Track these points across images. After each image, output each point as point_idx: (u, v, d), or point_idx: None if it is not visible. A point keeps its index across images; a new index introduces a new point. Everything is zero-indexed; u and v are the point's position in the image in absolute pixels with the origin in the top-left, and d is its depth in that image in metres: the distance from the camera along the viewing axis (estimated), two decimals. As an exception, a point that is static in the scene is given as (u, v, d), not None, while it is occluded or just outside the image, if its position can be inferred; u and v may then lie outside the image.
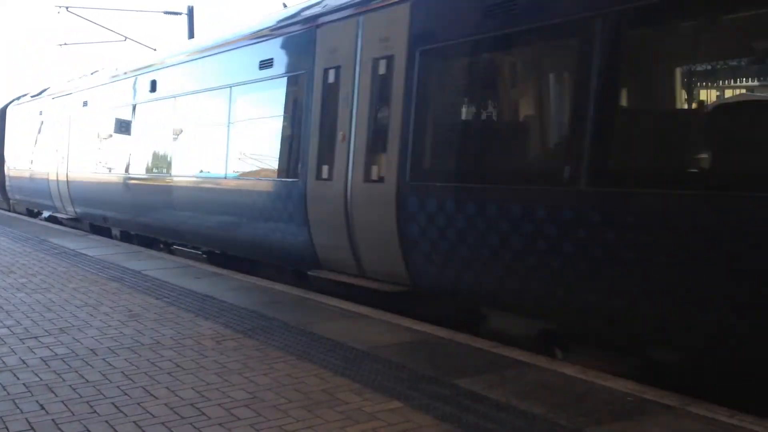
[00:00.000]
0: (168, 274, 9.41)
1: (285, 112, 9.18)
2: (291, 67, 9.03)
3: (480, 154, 6.53)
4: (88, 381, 5.09)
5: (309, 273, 8.57)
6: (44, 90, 20.02)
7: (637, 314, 5.11)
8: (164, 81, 12.40)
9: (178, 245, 12.07)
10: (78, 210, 16.23)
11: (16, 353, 5.84)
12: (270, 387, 4.88)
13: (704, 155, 4.95)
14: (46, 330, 6.60)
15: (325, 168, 8.14)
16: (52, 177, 17.19)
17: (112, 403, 4.62)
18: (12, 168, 20.34)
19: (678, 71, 5.17)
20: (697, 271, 4.71)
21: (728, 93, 4.95)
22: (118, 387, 4.94)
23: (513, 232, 5.89)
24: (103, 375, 5.22)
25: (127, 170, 13.43)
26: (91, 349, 5.91)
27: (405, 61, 7.14)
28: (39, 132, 18.79)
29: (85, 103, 15.92)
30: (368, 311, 7.18)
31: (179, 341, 6.12)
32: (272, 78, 9.26)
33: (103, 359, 5.62)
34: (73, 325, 6.76)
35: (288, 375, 5.13)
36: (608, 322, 5.37)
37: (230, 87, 10.23)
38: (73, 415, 4.44)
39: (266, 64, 9.41)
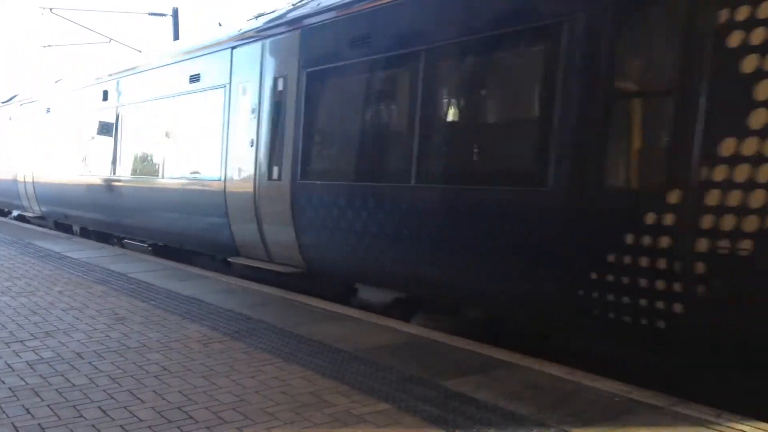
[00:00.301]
0: (153, 277, 9.37)
1: (209, 120, 10.37)
2: (214, 82, 10.33)
3: (346, 157, 7.94)
4: (74, 385, 5.06)
5: (229, 260, 9.86)
6: (14, 96, 21.06)
7: (454, 283, 6.54)
8: (114, 91, 13.69)
9: (129, 239, 13.20)
10: (43, 209, 17.43)
11: (1, 357, 5.80)
12: (257, 389, 4.87)
13: (479, 159, 6.40)
14: (31, 333, 6.56)
15: (239, 169, 9.52)
16: (20, 179, 18.40)
17: (99, 407, 4.59)
18: None
19: (480, 92, 6.55)
20: (488, 249, 6.16)
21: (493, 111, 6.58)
22: (104, 390, 4.92)
23: (371, 221, 7.32)
24: (90, 379, 5.19)
25: (83, 172, 14.65)
26: (78, 353, 5.87)
27: (296, 80, 8.59)
28: (9, 136, 19.93)
29: (48, 110, 17.11)
30: (353, 312, 7.19)
31: (166, 344, 6.10)
32: (199, 91, 10.66)
33: (90, 363, 5.59)
34: (59, 329, 6.72)
35: (275, 377, 5.13)
36: (437, 290, 6.84)
37: (165, 98, 11.66)
38: (60, 419, 4.41)
39: (195, 78, 10.82)
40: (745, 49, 4.41)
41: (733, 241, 4.42)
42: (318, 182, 8.12)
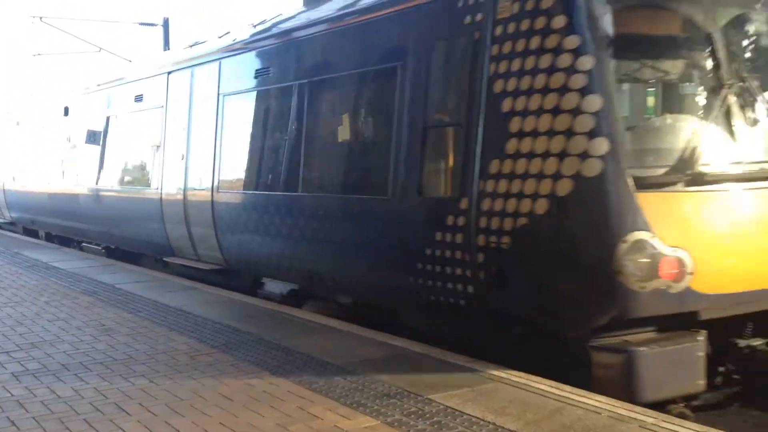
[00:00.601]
0: (141, 288, 9.33)
1: (150, 136, 11.57)
2: (154, 103, 11.51)
3: (251, 170, 9.26)
4: (60, 397, 5.04)
5: (165, 259, 11.08)
6: None
7: (330, 275, 7.85)
8: (73, 108, 14.84)
9: (86, 243, 14.30)
10: (13, 215, 18.74)
11: (-15, 368, 5.77)
12: (245, 403, 4.86)
13: (345, 172, 7.87)
14: (17, 344, 6.52)
15: (172, 180, 10.67)
16: None
17: (85, 420, 4.57)
18: None
19: (345, 118, 7.74)
20: (350, 246, 7.44)
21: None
22: (90, 403, 4.90)
23: (270, 225, 8.52)
24: (75, 391, 5.17)
25: (46, 182, 15.80)
26: (63, 365, 5.85)
27: (215, 103, 9.83)
28: None
29: (17, 123, 18.18)
30: (341, 325, 7.18)
31: (153, 356, 6.07)
32: (142, 110, 11.91)
33: (76, 374, 5.56)
34: (45, 340, 6.68)
35: (263, 391, 5.11)
36: (319, 282, 8.07)
37: (115, 115, 12.92)
38: (45, 431, 4.39)
39: (139, 98, 12.03)
40: (504, 94, 5.77)
41: (498, 237, 5.72)
42: (231, 191, 9.42)
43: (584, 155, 5.26)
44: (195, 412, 4.70)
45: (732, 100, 5.69)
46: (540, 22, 5.58)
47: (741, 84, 5.75)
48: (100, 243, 13.71)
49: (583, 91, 5.32)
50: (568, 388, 5.11)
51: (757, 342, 5.81)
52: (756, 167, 5.70)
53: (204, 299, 8.65)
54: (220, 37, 10.78)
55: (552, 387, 5.13)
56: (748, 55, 6.11)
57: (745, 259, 5.55)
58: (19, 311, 7.98)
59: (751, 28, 6.11)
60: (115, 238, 12.93)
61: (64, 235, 15.49)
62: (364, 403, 4.79)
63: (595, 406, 4.72)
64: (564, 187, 5.33)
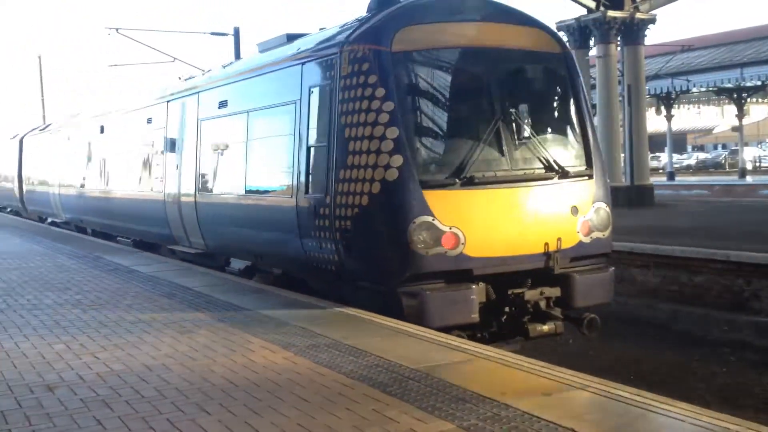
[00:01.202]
0: (215, 291, 9.52)
1: (157, 151, 14.45)
2: (159, 125, 14.47)
3: (214, 178, 12.00)
4: (143, 396, 5.18)
5: (169, 247, 14.03)
6: (48, 125, 26.08)
7: (263, 254, 10.63)
8: (107, 127, 18.08)
9: (120, 237, 17.45)
10: (67, 216, 21.70)
11: (73, 369, 5.98)
12: (321, 405, 4.90)
13: (267, 180, 10.54)
14: (101, 346, 6.74)
15: (171, 186, 13.49)
16: (52, 191, 22.67)
17: (168, 419, 4.69)
18: (27, 185, 26.71)
19: (268, 139, 10.54)
20: (273, 231, 10.04)
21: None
22: (172, 403, 5.02)
23: (230, 218, 11.42)
24: (158, 391, 5.31)
25: (88, 188, 19.04)
26: (146, 365, 6.01)
27: (196, 125, 12.70)
28: (42, 157, 24.53)
29: (68, 138, 21.57)
30: (412, 328, 7.18)
31: (231, 358, 6.19)
32: (152, 130, 14.83)
33: (158, 375, 5.71)
34: (128, 341, 6.89)
35: (339, 393, 5.15)
36: (258, 259, 10.88)
37: (135, 134, 15.97)
38: (130, 431, 4.52)
39: (149, 121, 15.12)
40: (346, 125, 8.24)
41: (345, 222, 8.17)
42: (206, 194, 12.17)
43: (387, 166, 7.83)
44: (273, 412, 4.78)
45: (493, 127, 8.27)
46: (362, 79, 8.14)
47: (499, 116, 8.37)
48: (128, 237, 16.76)
49: (387, 125, 7.89)
50: (649, 394, 5.00)
51: (522, 290, 8.27)
52: (505, 175, 8.24)
53: (275, 301, 8.77)
54: (202, 74, 14.09)
55: (633, 393, 5.02)
56: (508, 93, 8.77)
57: (499, 236, 8.06)
58: (103, 313, 8.24)
59: (511, 76, 9.04)
60: (136, 232, 16.13)
61: (104, 231, 18.50)
62: (439, 407, 4.78)
63: (678, 413, 4.60)
64: (376, 188, 7.88)
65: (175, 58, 32.92)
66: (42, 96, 54.02)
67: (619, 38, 25.05)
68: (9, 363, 6.20)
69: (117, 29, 31.55)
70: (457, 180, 7.97)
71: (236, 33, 28.97)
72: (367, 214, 7.95)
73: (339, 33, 8.94)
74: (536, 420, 4.50)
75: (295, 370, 5.76)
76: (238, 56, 27.74)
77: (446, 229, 7.75)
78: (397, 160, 7.78)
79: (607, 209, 8.75)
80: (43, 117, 52.30)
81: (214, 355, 6.29)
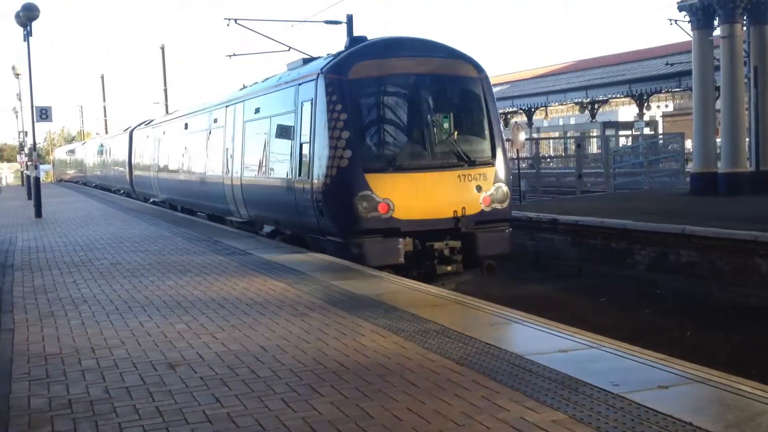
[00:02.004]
0: (329, 276, 9.69)
1: (219, 145, 18.03)
2: (220, 123, 18.25)
3: (248, 164, 15.75)
4: (259, 377, 5.36)
5: (227, 218, 17.89)
6: (151, 120, 31.62)
7: (279, 220, 14.15)
8: (191, 123, 22.07)
9: (198, 212, 21.75)
10: (163, 196, 26.23)
11: (193, 348, 6.24)
12: (430, 390, 4.93)
13: (273, 167, 14.30)
14: (219, 326, 7.01)
15: (227, 171, 16.98)
16: (152, 175, 27.40)
17: (282, 399, 4.83)
18: (135, 170, 31.62)
19: (272, 137, 14.24)
20: (282, 205, 13.45)
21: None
22: (286, 383, 5.17)
23: (259, 194, 14.82)
24: (273, 371, 5.47)
25: (178, 172, 23.12)
26: (261, 346, 6.21)
27: (242, 125, 16.31)
28: (145, 147, 29.18)
29: (164, 133, 25.91)
30: (523, 316, 7.10)
31: (342, 341, 6.31)
32: (218, 128, 18.48)
33: (273, 356, 5.89)
34: (244, 322, 7.13)
35: (447, 379, 5.16)
36: (278, 224, 14.43)
37: (207, 131, 19.62)
38: (246, 408, 4.69)
39: (215, 120, 18.95)
40: (319, 128, 11.87)
41: (319, 195, 11.53)
42: (245, 177, 15.64)
43: (341, 158, 11.21)
44: (383, 396, 4.84)
45: (418, 131, 12.02)
46: (329, 97, 11.52)
47: (424, 123, 11.94)
48: (204, 212, 20.86)
49: (342, 129, 11.29)
50: (774, 390, 4.76)
51: (439, 245, 11.42)
52: (426, 164, 11.59)
53: (389, 288, 8.86)
54: (249, 86, 17.36)
55: (755, 388, 4.79)
56: (432, 106, 12.09)
57: (420, 205, 11.28)
58: (221, 295, 8.56)
59: (434, 93, 12.25)
60: (208, 208, 20.12)
61: (188, 208, 22.79)
62: (551, 397, 4.72)
63: (806, 412, 4.35)
64: (334, 172, 11.26)
65: (290, 47, 33.48)
66: (165, 86, 56.22)
67: (744, 17, 23.76)
68: (134, 341, 6.54)
69: (235, 20, 32.45)
70: (390, 167, 11.36)
71: (349, 21, 29.24)
72: (330, 190, 11.42)
73: (318, 65, 12.47)
74: (653, 413, 4.36)
75: (404, 355, 5.82)
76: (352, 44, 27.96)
77: (380, 200, 11.16)
78: (348, 153, 11.27)
79: (505, 188, 12.01)
80: (166, 106, 54.49)
81: (326, 338, 6.43)
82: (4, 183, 66.51)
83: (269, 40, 32.84)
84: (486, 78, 12.47)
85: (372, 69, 11.83)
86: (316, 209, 11.76)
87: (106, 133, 62.20)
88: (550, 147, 55.50)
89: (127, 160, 32.98)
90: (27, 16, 20.97)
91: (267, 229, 15.15)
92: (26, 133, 43.91)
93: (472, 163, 11.80)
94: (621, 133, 44.45)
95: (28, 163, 36.26)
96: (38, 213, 22.18)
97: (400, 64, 11.96)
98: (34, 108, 23.75)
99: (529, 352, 5.77)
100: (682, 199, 22.43)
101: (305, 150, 12.20)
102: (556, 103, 51.62)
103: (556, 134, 57.28)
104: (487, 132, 12.24)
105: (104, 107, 71.40)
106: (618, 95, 44.52)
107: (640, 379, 5.06)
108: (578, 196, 25.74)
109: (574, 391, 4.83)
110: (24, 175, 49.82)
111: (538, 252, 18.76)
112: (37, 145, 31.26)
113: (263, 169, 14.59)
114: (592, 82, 43.63)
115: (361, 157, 11.30)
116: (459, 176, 11.62)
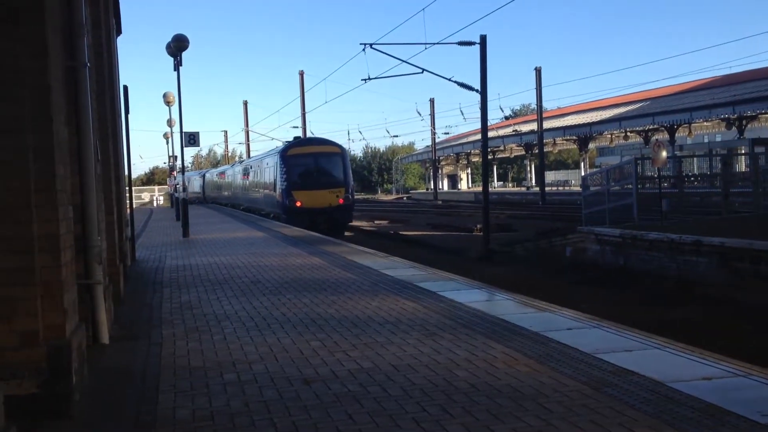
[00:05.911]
0: (460, 296, 9.67)
1: (268, 177, 38.95)
2: (270, 164, 37.66)
3: (264, 187, 40.51)
4: (390, 395, 5.41)
5: (260, 214, 39.48)
6: (242, 160, 55.49)
7: (271, 211, 38.05)
8: (250, 168, 46.05)
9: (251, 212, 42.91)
10: (243, 206, 46.96)
11: (327, 364, 6.39)
12: (564, 416, 4.81)
13: (257, 188, 43.53)
14: (352, 344, 7.14)
15: (266, 190, 39.04)
16: (226, 194, 58.01)
17: (413, 418, 4.85)
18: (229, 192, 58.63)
19: (258, 174, 43.43)
20: (266, 205, 39.31)
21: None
22: (417, 403, 5.19)
23: (264, 200, 40.03)
24: (404, 390, 5.51)
25: (244, 192, 48.26)
26: (393, 365, 6.27)
27: (274, 167, 36.12)
28: (224, 179, 59.22)
29: (240, 170, 51.98)
30: (661, 340, 6.80)
31: (472, 362, 6.27)
32: (265, 168, 39.54)
33: (404, 375, 5.93)
34: (377, 341, 7.23)
35: (583, 405, 5.02)
36: (272, 213, 37.29)
37: (257, 170, 43.07)
38: (378, 426, 4.74)
39: (267, 163, 39.19)
40: (278, 174, 35.45)
41: (280, 200, 34.43)
42: (262, 191, 39.89)
43: (284, 184, 33.49)
44: (515, 420, 4.77)
45: (310, 175, 33.87)
46: (280, 163, 34.35)
47: (313, 170, 34.38)
48: (255, 212, 39.57)
49: (286, 173, 33.53)
50: None
51: (321, 218, 31.76)
52: (316, 186, 32.77)
53: (522, 310, 8.73)
54: (275, 148, 40.15)
55: None
56: (319, 166, 34.34)
57: (314, 201, 32.20)
58: (354, 314, 8.71)
59: (320, 160, 34.64)
60: (256, 209, 40.19)
61: (232, 207, 49.05)
62: (694, 426, 4.48)
63: None
64: (283, 188, 33.87)
65: (423, 70, 33.99)
66: (303, 110, 58.11)
67: None
68: (272, 357, 6.77)
69: (371, 45, 33.20)
70: (302, 188, 32.51)
71: (482, 41, 29.27)
72: (281, 197, 33.30)
73: (279, 149, 35.99)
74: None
75: (537, 378, 5.71)
76: (483, 63, 27.99)
77: (297, 200, 32.18)
78: (286, 182, 32.96)
79: (349, 197, 33.18)
80: (303, 129, 56.24)
81: (456, 359, 6.41)
82: (155, 204, 70.82)
83: (404, 62, 33.37)
84: (344, 150, 34.78)
85: (297, 150, 34.08)
86: (280, 206, 33.29)
87: (248, 157, 66.10)
88: (694, 165, 53.26)
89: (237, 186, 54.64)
90: (177, 47, 22.36)
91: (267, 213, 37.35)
92: (175, 157, 46.77)
93: (335, 186, 32.51)
94: (771, 150, 41.98)
95: (177, 185, 41.35)
96: (185, 233, 23.44)
97: (307, 149, 34.07)
98: (183, 134, 25.21)
99: (670, 379, 5.53)
100: (842, 220, 20.85)
101: (276, 183, 34.16)
102: (701, 120, 49.55)
103: (701, 152, 54.88)
104: (343, 176, 33.31)
105: (247, 132, 74.76)
106: (769, 111, 42.36)
107: (792, 412, 4.83)
108: (724, 216, 24.44)
109: (718, 421, 4.58)
110: (173, 197, 52.98)
111: (680, 275, 17.94)
112: (186, 169, 35.88)
113: (265, 190, 38.18)
114: (740, 96, 41.64)
115: (292, 184, 32.61)
116: (329, 191, 32.14)
